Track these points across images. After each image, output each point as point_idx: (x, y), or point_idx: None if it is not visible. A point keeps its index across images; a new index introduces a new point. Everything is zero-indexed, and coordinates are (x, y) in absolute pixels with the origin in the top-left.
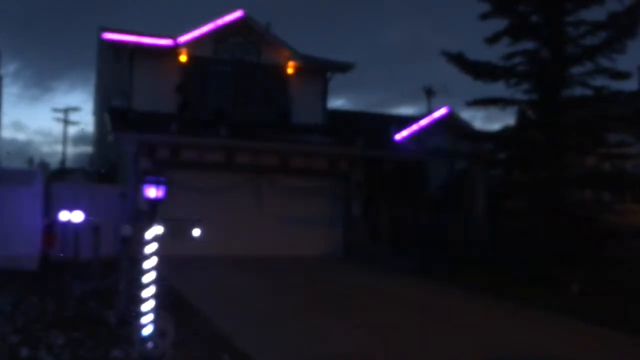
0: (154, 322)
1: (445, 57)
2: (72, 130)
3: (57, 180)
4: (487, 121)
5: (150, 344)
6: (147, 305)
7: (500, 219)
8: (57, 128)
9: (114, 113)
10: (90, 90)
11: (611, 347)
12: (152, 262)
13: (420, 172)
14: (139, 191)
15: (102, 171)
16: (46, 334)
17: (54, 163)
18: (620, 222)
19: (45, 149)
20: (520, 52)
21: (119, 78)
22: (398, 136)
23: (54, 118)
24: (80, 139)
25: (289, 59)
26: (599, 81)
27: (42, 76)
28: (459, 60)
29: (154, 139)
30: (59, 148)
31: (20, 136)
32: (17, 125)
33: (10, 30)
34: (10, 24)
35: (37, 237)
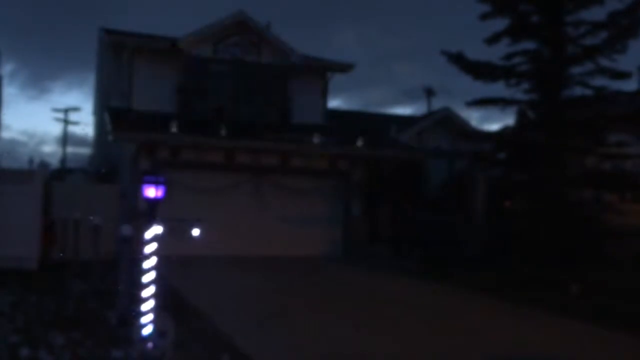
0: (154, 322)
1: (445, 57)
2: (56, 130)
3: (57, 180)
4: (483, 121)
5: (150, 344)
6: (147, 305)
7: (500, 219)
8: (41, 128)
9: (114, 113)
10: (86, 91)
11: (611, 348)
12: (151, 261)
13: (420, 172)
14: (138, 191)
15: (102, 171)
16: (46, 334)
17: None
18: (620, 222)
19: (31, 149)
20: (520, 52)
21: (119, 78)
22: (398, 136)
23: (54, 118)
24: (69, 140)
25: (289, 58)
26: (599, 81)
27: (38, 77)
28: (458, 60)
29: (154, 139)
30: (46, 149)
31: (4, 136)
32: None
33: (6, 31)
34: (6, 24)
35: (37, 237)
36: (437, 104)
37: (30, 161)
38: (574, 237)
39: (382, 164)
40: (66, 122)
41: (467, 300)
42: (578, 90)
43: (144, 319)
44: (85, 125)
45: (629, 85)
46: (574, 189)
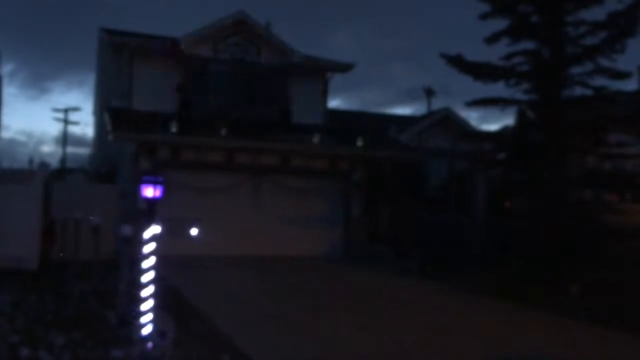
0: (154, 322)
1: (444, 59)
2: (54, 130)
3: (57, 180)
4: (483, 121)
5: (150, 344)
6: (147, 305)
7: (500, 219)
8: (39, 128)
9: (114, 113)
10: (86, 91)
11: (611, 347)
12: (151, 261)
13: (420, 172)
14: (138, 191)
15: (102, 171)
16: (46, 334)
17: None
18: (620, 222)
19: (28, 149)
20: (520, 52)
21: (119, 78)
22: (398, 136)
23: (54, 118)
24: (68, 140)
25: (289, 58)
26: (599, 81)
27: (38, 77)
28: (458, 62)
29: (154, 139)
30: (44, 149)
31: (3, 135)
32: None
33: (6, 31)
34: (6, 24)
35: (37, 237)
36: (437, 104)
37: (30, 161)
38: (574, 237)
39: (382, 164)
40: (66, 122)
41: (467, 300)
42: (578, 90)
43: (144, 319)
44: (85, 125)
45: (629, 85)
46: (574, 189)
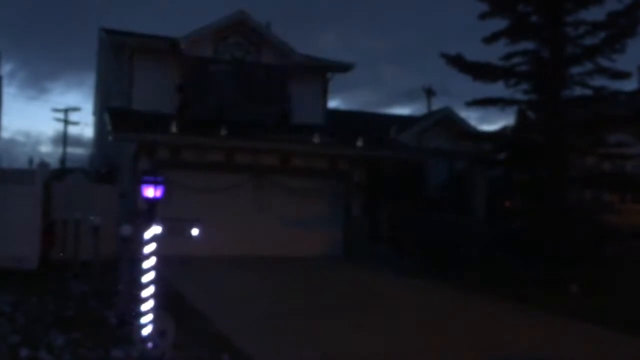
0: (154, 322)
1: (444, 59)
2: (51, 130)
3: (57, 180)
4: (482, 121)
5: (150, 344)
6: (147, 305)
7: (500, 219)
8: (36, 129)
9: (114, 113)
10: (86, 91)
11: (611, 348)
12: (151, 261)
13: (420, 172)
14: (138, 191)
15: (102, 171)
16: (46, 334)
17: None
18: (620, 222)
19: (27, 149)
20: (520, 52)
21: (119, 78)
22: (398, 136)
23: (54, 118)
24: (61, 140)
25: (289, 59)
26: (599, 81)
27: (38, 77)
28: (458, 61)
29: (154, 139)
30: (42, 149)
31: (2, 136)
32: None
33: (6, 31)
34: (6, 24)
35: (37, 237)
36: (437, 104)
37: (30, 161)
38: (574, 237)
39: (382, 164)
40: (66, 122)
41: (467, 300)
42: (578, 90)
43: (144, 319)
44: (85, 125)
45: (629, 85)
46: (574, 189)
